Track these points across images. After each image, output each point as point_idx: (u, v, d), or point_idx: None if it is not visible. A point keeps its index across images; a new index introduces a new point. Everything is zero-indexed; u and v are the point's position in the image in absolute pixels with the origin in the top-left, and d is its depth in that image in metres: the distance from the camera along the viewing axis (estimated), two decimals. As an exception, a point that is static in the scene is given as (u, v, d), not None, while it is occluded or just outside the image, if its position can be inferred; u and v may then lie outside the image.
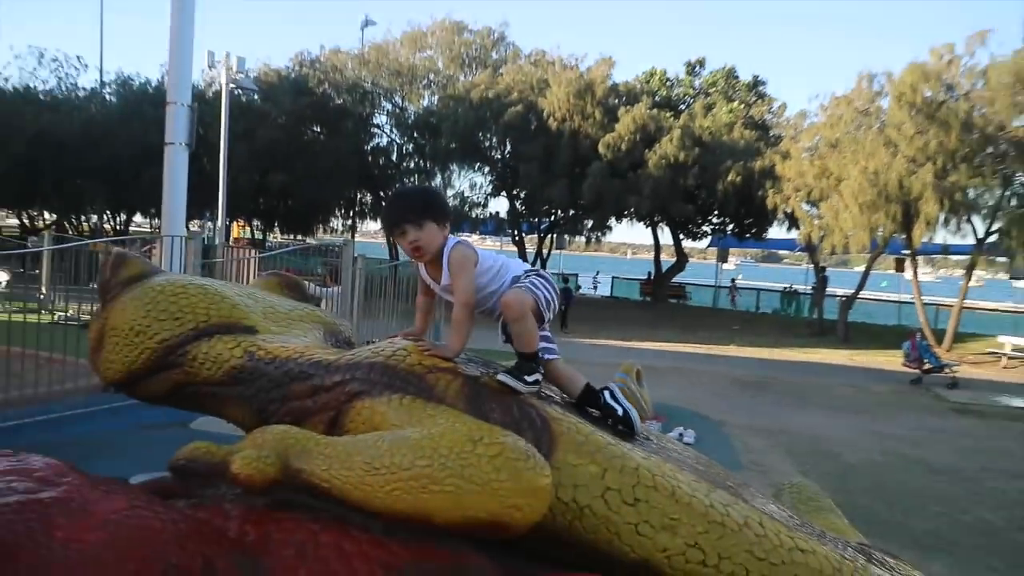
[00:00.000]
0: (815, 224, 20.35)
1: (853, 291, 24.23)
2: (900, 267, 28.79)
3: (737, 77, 29.77)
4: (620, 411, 2.93)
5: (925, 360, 15.93)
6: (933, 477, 8.47)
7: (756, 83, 29.71)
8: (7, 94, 29.86)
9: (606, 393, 2.98)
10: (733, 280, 35.19)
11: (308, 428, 2.88)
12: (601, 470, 2.66)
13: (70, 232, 33.49)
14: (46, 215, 36.36)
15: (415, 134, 28.51)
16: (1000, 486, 8.40)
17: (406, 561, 2.40)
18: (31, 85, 30.96)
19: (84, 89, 32.44)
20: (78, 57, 45.22)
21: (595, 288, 36.70)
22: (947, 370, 15.75)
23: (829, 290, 27.62)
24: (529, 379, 2.88)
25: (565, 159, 24.99)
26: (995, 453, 10.06)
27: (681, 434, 8.56)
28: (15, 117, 27.25)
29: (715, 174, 24.10)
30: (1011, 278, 27.05)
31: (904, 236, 21.15)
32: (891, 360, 19.79)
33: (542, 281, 3.13)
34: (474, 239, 41.69)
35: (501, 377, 2.83)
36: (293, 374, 2.99)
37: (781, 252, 70.19)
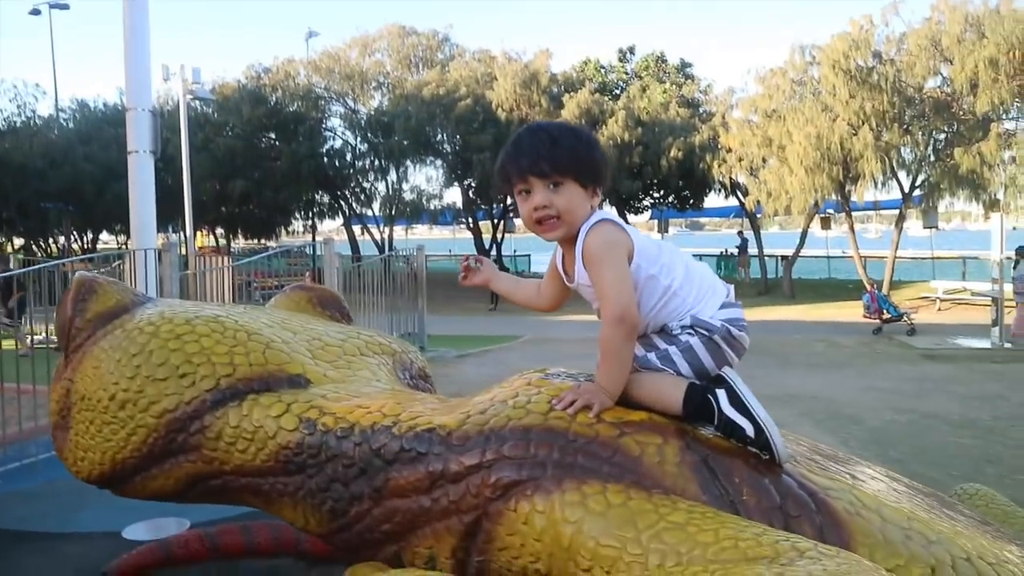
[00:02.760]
0: (763, 190, 19.43)
1: (794, 250, 23.49)
2: (826, 224, 28.23)
3: (666, 60, 28.76)
4: (750, 428, 1.56)
5: (884, 311, 15.12)
6: (960, 432, 7.46)
7: (684, 65, 28.71)
8: (-38, 124, 27.39)
9: (721, 396, 1.59)
10: None
11: (429, 543, 1.59)
12: (927, 570, 1.45)
13: (39, 255, 31.17)
14: (15, 240, 33.82)
15: (368, 134, 26.87)
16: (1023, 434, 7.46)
17: None
18: (-13, 114, 28.44)
19: (41, 117, 30.03)
20: (36, 85, 42.26)
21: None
22: (905, 318, 14.96)
23: (767, 251, 27.00)
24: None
25: (515, 147, 23.80)
26: (992, 399, 9.15)
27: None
28: (-26, 145, 24.97)
29: (657, 151, 23.14)
30: (925, 227, 26.69)
31: (838, 196, 20.48)
32: (842, 312, 19.06)
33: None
34: (432, 230, 39.95)
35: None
36: (390, 453, 1.67)
37: (702, 220, 70.44)
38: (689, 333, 1.70)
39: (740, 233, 29.52)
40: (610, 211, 1.81)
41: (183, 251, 19.92)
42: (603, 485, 1.42)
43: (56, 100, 32.30)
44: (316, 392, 1.83)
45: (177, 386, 1.80)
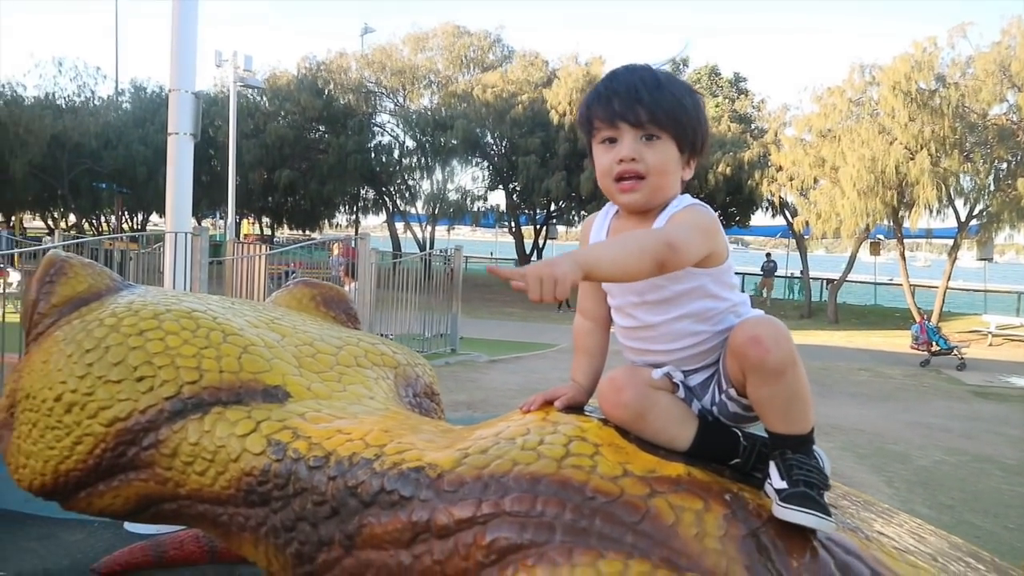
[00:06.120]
0: (813, 211, 18.84)
1: (840, 274, 22.80)
2: (875, 250, 27.42)
3: (720, 74, 28.24)
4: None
5: (933, 343, 14.48)
6: (1015, 479, 6.94)
7: (737, 79, 28.17)
8: (26, 101, 27.81)
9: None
10: None
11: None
12: None
13: (90, 233, 31.71)
14: (71, 217, 34.47)
15: (417, 132, 26.79)
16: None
17: None
18: (50, 92, 28.88)
19: (102, 98, 30.46)
20: (97, 68, 42.98)
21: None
22: (955, 352, 14.30)
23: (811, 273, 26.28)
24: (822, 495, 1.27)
25: (563, 152, 23.49)
26: (1050, 444, 8.61)
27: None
28: (34, 122, 25.32)
29: (706, 165, 22.62)
30: (979, 258, 25.78)
31: (890, 222, 19.80)
32: (887, 341, 18.39)
33: None
34: (475, 232, 39.78)
35: (784, 512, 1.22)
36: (368, 494, 1.38)
37: (747, 238, 69.38)
38: None
39: (768, 255, 28.91)
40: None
41: (228, 236, 20.01)
42: (625, 561, 1.11)
43: (116, 82, 32.80)
44: (293, 409, 1.55)
45: (132, 391, 1.52)
